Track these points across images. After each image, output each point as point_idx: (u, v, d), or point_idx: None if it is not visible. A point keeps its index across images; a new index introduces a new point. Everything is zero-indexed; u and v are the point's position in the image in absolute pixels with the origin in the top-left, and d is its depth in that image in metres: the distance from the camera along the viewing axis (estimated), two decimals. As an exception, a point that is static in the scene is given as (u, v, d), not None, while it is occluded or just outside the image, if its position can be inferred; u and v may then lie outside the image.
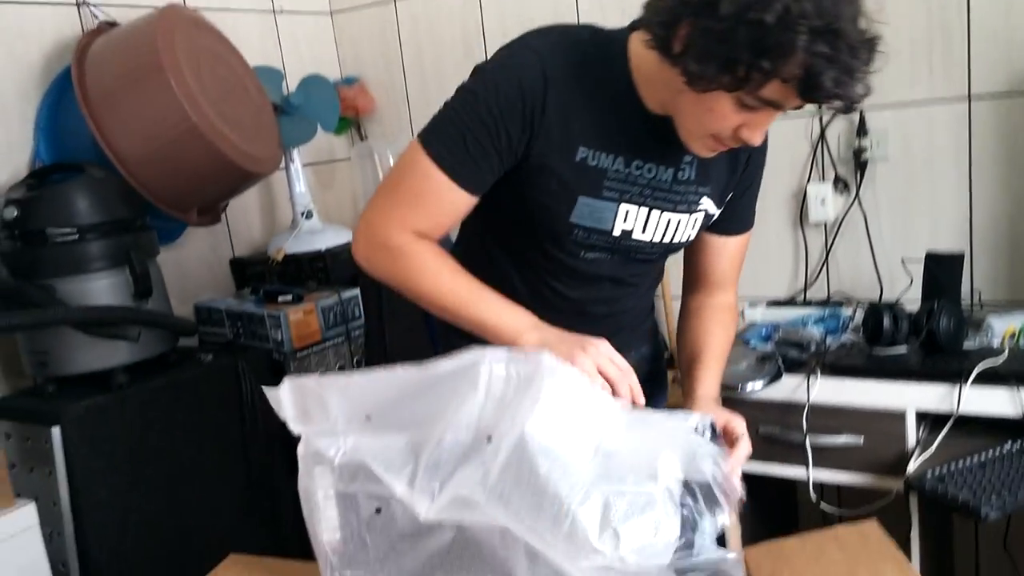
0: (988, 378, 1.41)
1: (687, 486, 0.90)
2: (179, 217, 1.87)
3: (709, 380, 1.19)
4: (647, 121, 1.07)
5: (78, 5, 1.98)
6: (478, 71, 1.08)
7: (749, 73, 0.89)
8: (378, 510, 1.05)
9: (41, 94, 1.91)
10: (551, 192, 1.10)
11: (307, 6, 2.60)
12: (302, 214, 2.31)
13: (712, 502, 0.92)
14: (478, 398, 0.98)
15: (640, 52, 1.02)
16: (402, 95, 2.62)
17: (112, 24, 1.95)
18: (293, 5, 2.53)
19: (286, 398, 1.03)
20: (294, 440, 1.09)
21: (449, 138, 1.06)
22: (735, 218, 1.25)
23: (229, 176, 1.86)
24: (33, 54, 1.92)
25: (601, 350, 1.01)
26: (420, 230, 1.10)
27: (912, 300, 1.66)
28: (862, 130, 1.92)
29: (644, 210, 1.13)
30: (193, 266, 2.29)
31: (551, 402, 0.94)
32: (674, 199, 1.14)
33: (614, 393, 1.01)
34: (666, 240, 1.17)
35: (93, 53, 1.82)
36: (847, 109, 0.95)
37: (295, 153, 2.29)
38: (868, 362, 1.56)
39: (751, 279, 2.12)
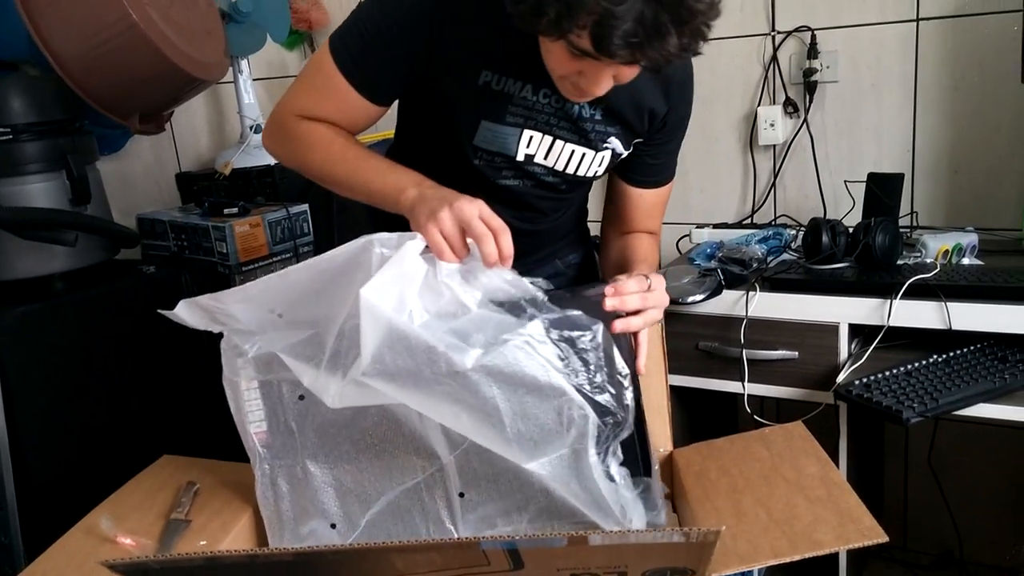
0: (919, 292, 1.44)
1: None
2: (120, 122, 1.82)
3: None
4: None
5: None
6: None
7: (559, 20, 0.83)
8: (301, 397, 1.05)
9: (-29, -12, 1.83)
10: (454, 113, 1.09)
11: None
12: (251, 128, 2.26)
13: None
14: None
15: None
16: (356, 10, 2.55)
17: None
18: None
19: (187, 318, 1.01)
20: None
21: (353, 43, 1.06)
22: (651, 172, 1.23)
23: (172, 80, 1.80)
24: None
25: (466, 208, 0.94)
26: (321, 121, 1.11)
27: (854, 222, 1.69)
28: (813, 51, 1.92)
29: (548, 138, 1.11)
30: (138, 179, 2.24)
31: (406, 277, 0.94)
32: (580, 132, 1.11)
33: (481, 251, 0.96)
34: (570, 171, 1.15)
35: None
36: (654, 69, 0.88)
37: (244, 63, 2.23)
38: (806, 276, 1.58)
39: (700, 203, 2.14)
